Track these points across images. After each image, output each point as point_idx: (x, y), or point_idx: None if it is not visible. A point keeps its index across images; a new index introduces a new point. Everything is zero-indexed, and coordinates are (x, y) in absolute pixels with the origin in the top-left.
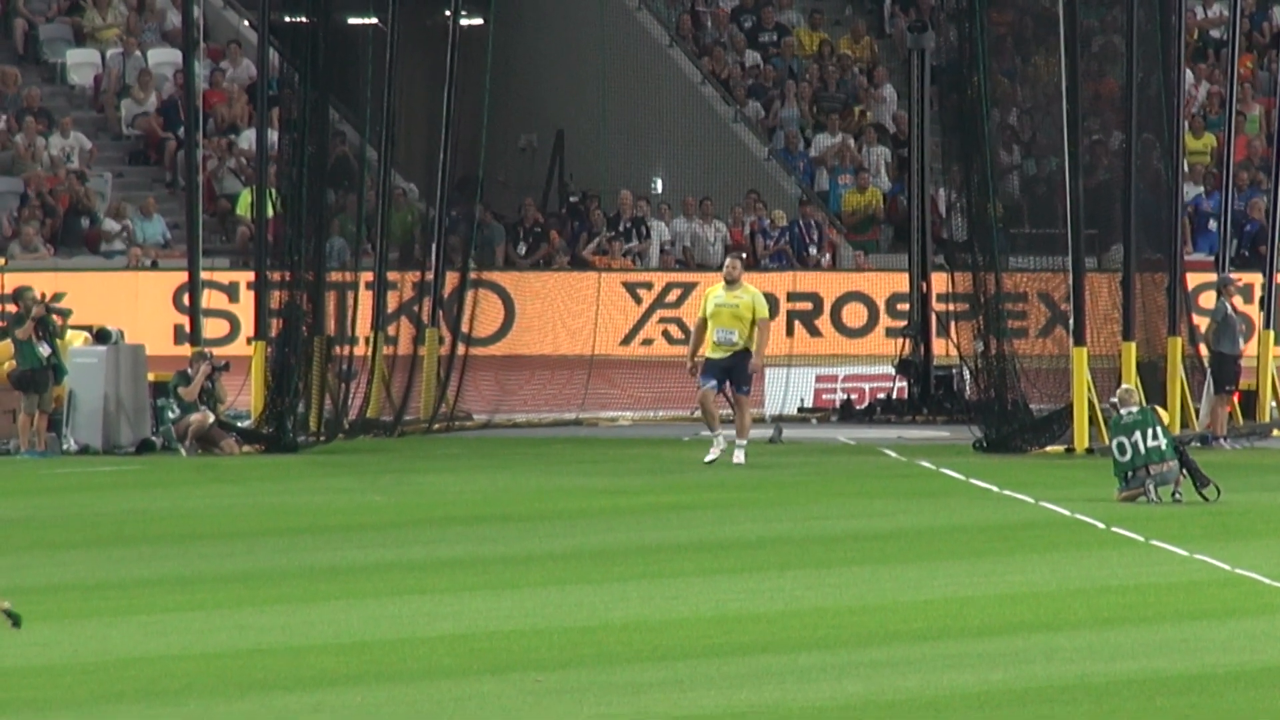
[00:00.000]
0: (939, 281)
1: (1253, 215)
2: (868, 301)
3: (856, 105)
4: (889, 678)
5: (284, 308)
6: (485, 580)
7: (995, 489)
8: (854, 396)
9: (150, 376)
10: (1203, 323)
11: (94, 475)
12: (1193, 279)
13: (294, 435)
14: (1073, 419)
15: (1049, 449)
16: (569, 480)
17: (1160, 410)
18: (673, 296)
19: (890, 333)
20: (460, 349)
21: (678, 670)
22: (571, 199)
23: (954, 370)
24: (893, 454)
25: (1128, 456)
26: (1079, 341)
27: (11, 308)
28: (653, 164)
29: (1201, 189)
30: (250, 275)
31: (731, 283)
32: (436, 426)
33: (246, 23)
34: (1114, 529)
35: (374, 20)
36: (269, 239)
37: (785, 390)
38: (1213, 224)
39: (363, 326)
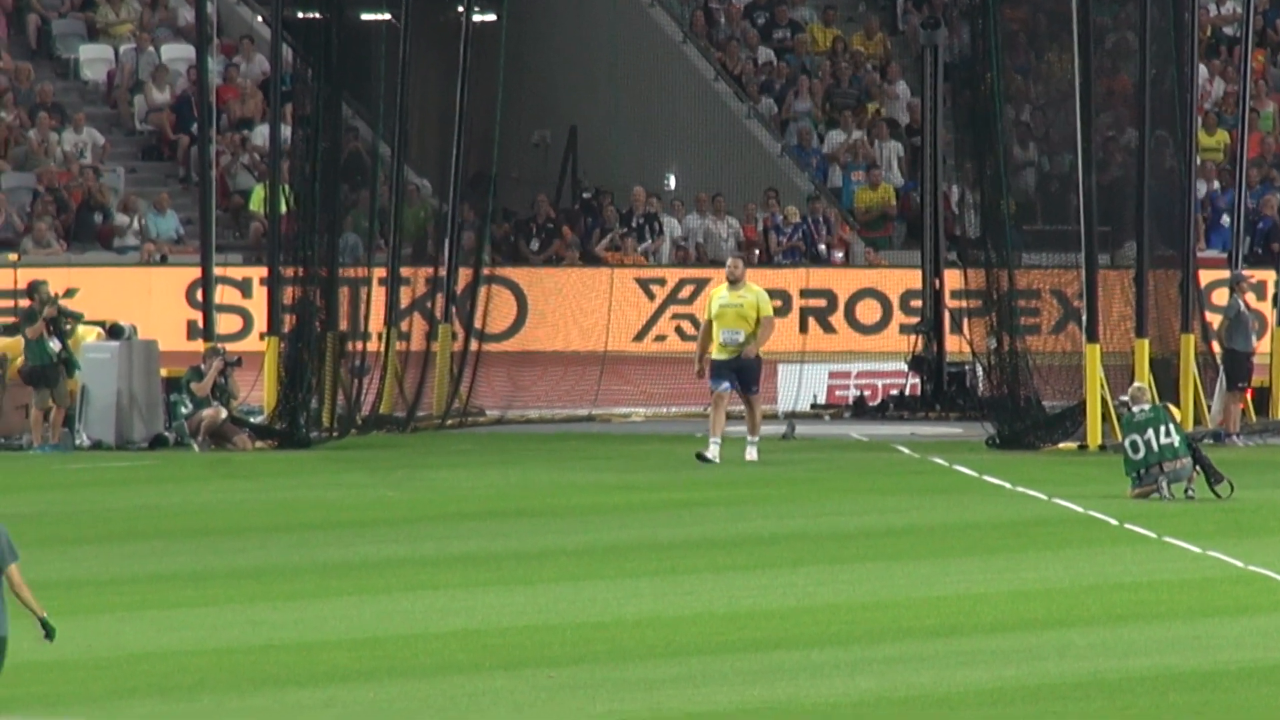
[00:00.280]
0: (952, 278)
1: (1265, 212)
2: (881, 298)
3: (870, 102)
4: (902, 674)
5: (297, 303)
6: (498, 576)
7: (1008, 485)
8: (867, 393)
9: (163, 372)
10: (1215, 319)
11: (107, 471)
12: (1205, 276)
13: (307, 431)
14: (1085, 416)
15: (1062, 446)
16: (581, 476)
17: (1172, 408)
18: (685, 293)
19: (904, 329)
20: (473, 345)
21: (691, 666)
22: (585, 195)
23: (967, 367)
24: (905, 450)
25: (1141, 454)
26: (1092, 338)
27: (25, 302)
28: (666, 160)
29: (1215, 185)
30: (263, 271)
31: (734, 282)
32: (449, 422)
33: (260, 18)
34: (1127, 526)
35: (387, 16)
36: (282, 234)
37: (798, 387)
38: (1226, 220)
39: (376, 322)
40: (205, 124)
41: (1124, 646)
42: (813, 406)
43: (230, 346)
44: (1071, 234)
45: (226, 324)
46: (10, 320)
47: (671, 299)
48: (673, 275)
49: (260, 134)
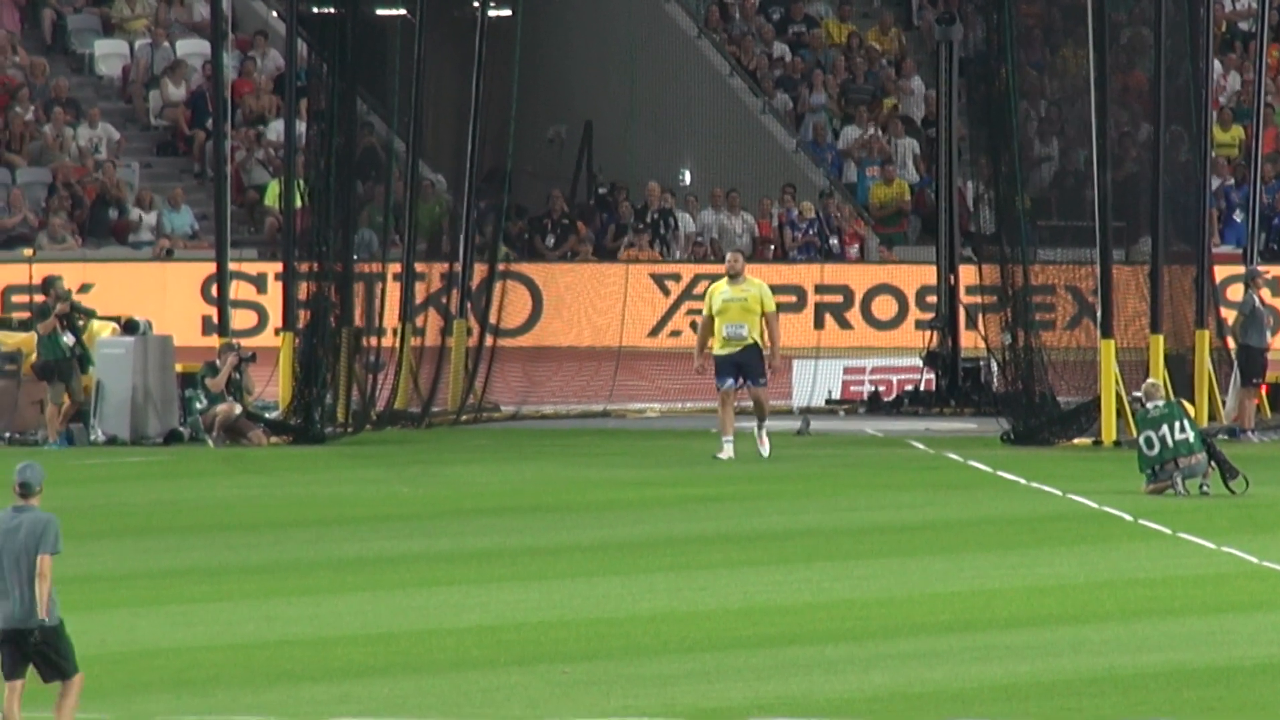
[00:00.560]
0: (967, 274)
1: None
2: (897, 294)
3: (885, 98)
4: (916, 670)
5: (312, 299)
6: (513, 572)
7: (1023, 481)
8: (882, 389)
9: (178, 367)
10: (1230, 315)
11: (121, 466)
12: (1220, 271)
13: (321, 426)
14: (1100, 411)
15: (1076, 441)
16: (596, 472)
17: (1186, 404)
18: (701, 288)
19: (919, 325)
20: (488, 340)
21: (705, 662)
22: (600, 190)
23: (982, 362)
24: (920, 446)
25: (1155, 450)
26: (1107, 334)
27: (39, 298)
28: (681, 155)
29: (1230, 181)
30: (278, 266)
31: (735, 277)
32: (464, 418)
33: (275, 14)
34: (1141, 521)
35: (402, 11)
36: (297, 230)
37: (813, 382)
38: (1240, 216)
39: (390, 318)
40: (220, 119)
41: (1138, 642)
42: (827, 402)
43: (245, 342)
44: (1086, 229)
45: (241, 319)
46: (25, 315)
47: (686, 294)
48: (687, 271)
49: (275, 129)
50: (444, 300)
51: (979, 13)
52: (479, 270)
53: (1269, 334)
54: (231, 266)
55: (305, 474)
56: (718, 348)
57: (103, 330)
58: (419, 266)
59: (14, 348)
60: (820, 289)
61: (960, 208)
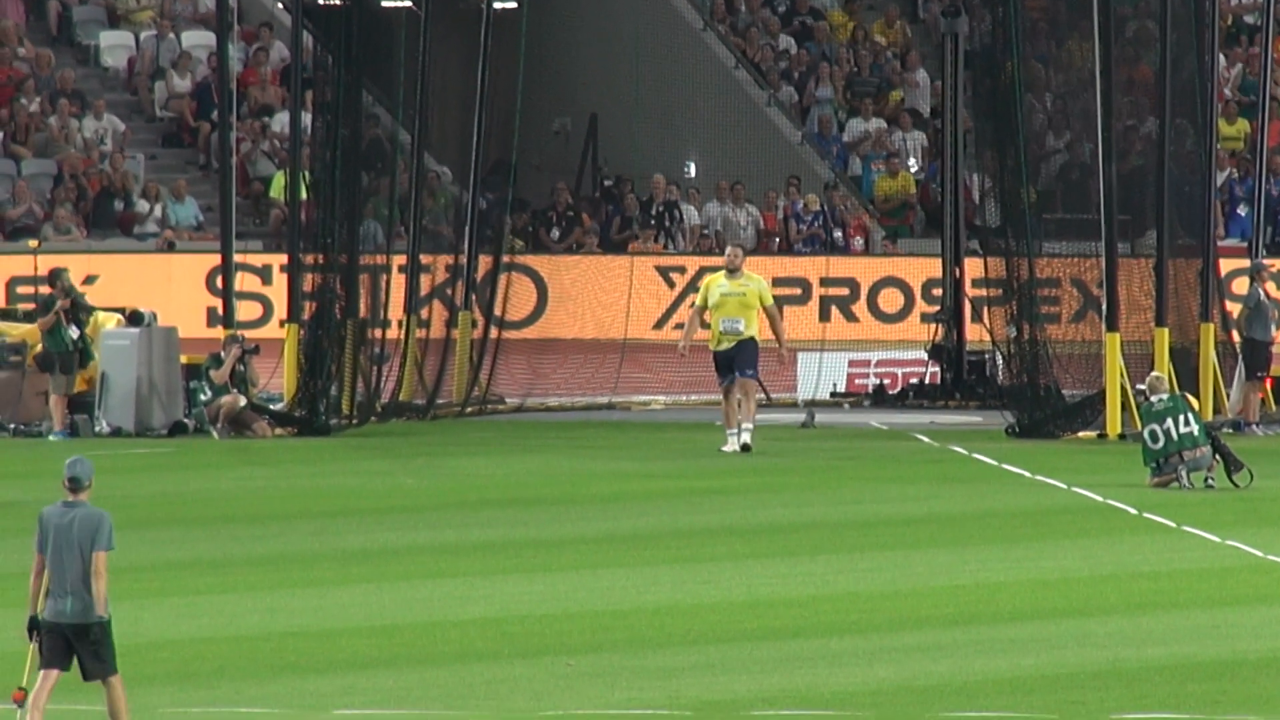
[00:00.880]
0: (972, 267)
1: None
2: (903, 287)
3: (891, 90)
4: (921, 663)
5: (317, 291)
6: (517, 564)
7: (1027, 474)
8: (887, 381)
9: (183, 359)
10: (1235, 308)
11: (126, 457)
12: (1225, 265)
13: (326, 418)
14: (1105, 404)
15: (1081, 434)
16: (601, 464)
17: (1190, 397)
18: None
19: (925, 318)
20: (493, 332)
21: (709, 655)
22: (605, 183)
23: (987, 355)
24: (925, 439)
25: (1160, 444)
26: (1112, 327)
27: (45, 289)
28: (686, 148)
29: (1235, 174)
30: (283, 258)
31: (734, 271)
32: (469, 410)
33: (280, 5)
34: (1146, 515)
35: (408, 3)
36: (302, 222)
37: (818, 375)
38: (1245, 209)
39: (395, 310)
40: (225, 111)
41: (1142, 635)
42: (832, 395)
43: (250, 334)
44: (1092, 222)
45: (246, 311)
46: (30, 307)
47: (691, 287)
48: (692, 263)
49: (280, 121)
50: (449, 292)
51: (984, 5)
52: (484, 262)
53: (1274, 327)
54: (236, 258)
55: (310, 466)
56: (714, 343)
57: (107, 322)
58: (424, 258)
59: (19, 339)
60: (825, 281)
61: (965, 201)
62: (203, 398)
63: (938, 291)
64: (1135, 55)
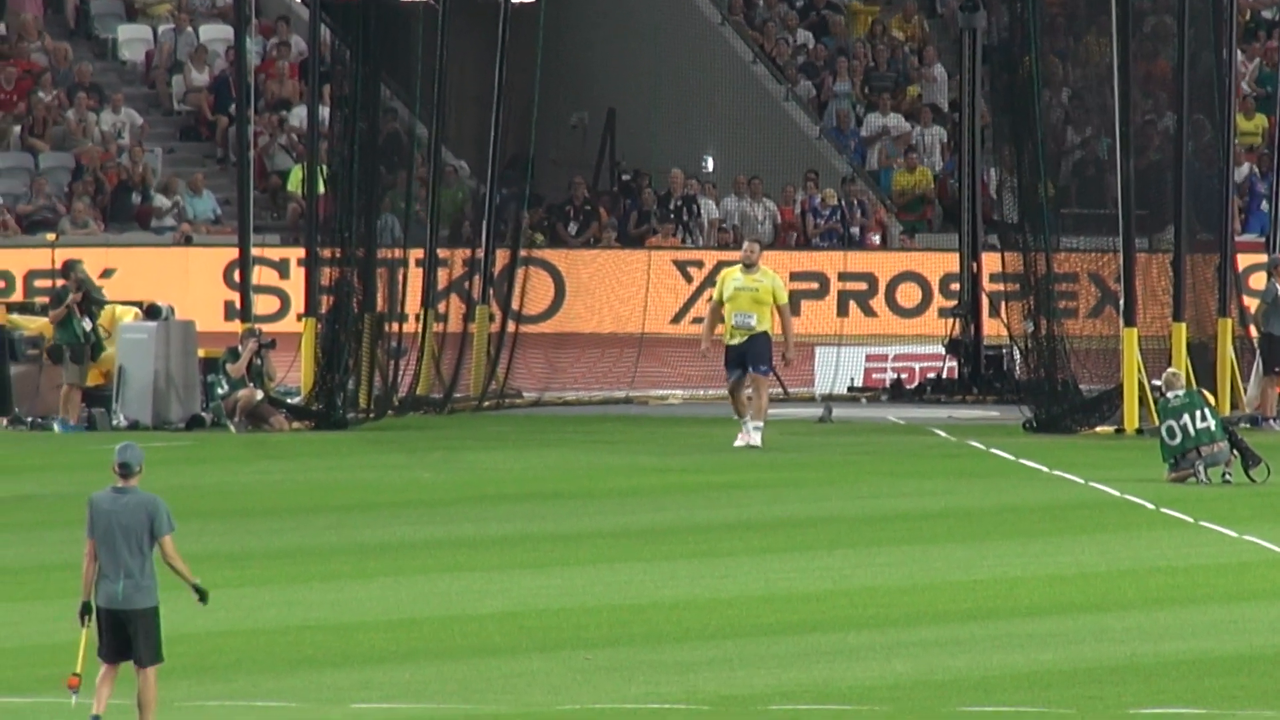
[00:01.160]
0: (990, 261)
1: None
2: (921, 281)
3: (909, 85)
4: (938, 657)
5: (334, 284)
6: (535, 558)
7: (1045, 469)
8: (904, 376)
9: (200, 353)
10: (1253, 304)
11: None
12: (1243, 260)
13: (344, 412)
14: (1123, 399)
15: (1099, 429)
16: (618, 458)
17: (1206, 393)
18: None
19: (943, 313)
20: (510, 326)
21: (727, 649)
22: (623, 177)
23: (1004, 350)
24: (942, 434)
25: (1177, 440)
26: (1129, 322)
27: (61, 282)
28: (703, 142)
29: (1257, 170)
30: (301, 252)
31: (749, 266)
32: (486, 404)
33: None
34: (1163, 510)
35: None
36: (320, 216)
37: (835, 370)
38: (1264, 205)
39: (413, 303)
40: (243, 105)
41: (1160, 630)
42: (850, 389)
43: (267, 327)
44: (1109, 217)
45: (264, 305)
46: (48, 300)
47: (709, 281)
48: (710, 257)
49: (298, 115)
50: (467, 286)
51: (1002, 0)
52: (501, 256)
53: None
54: (254, 252)
55: (327, 460)
56: (726, 337)
57: (125, 315)
58: (441, 252)
59: (36, 332)
60: (843, 276)
61: (983, 195)
62: (220, 391)
63: (955, 286)
64: (1153, 50)
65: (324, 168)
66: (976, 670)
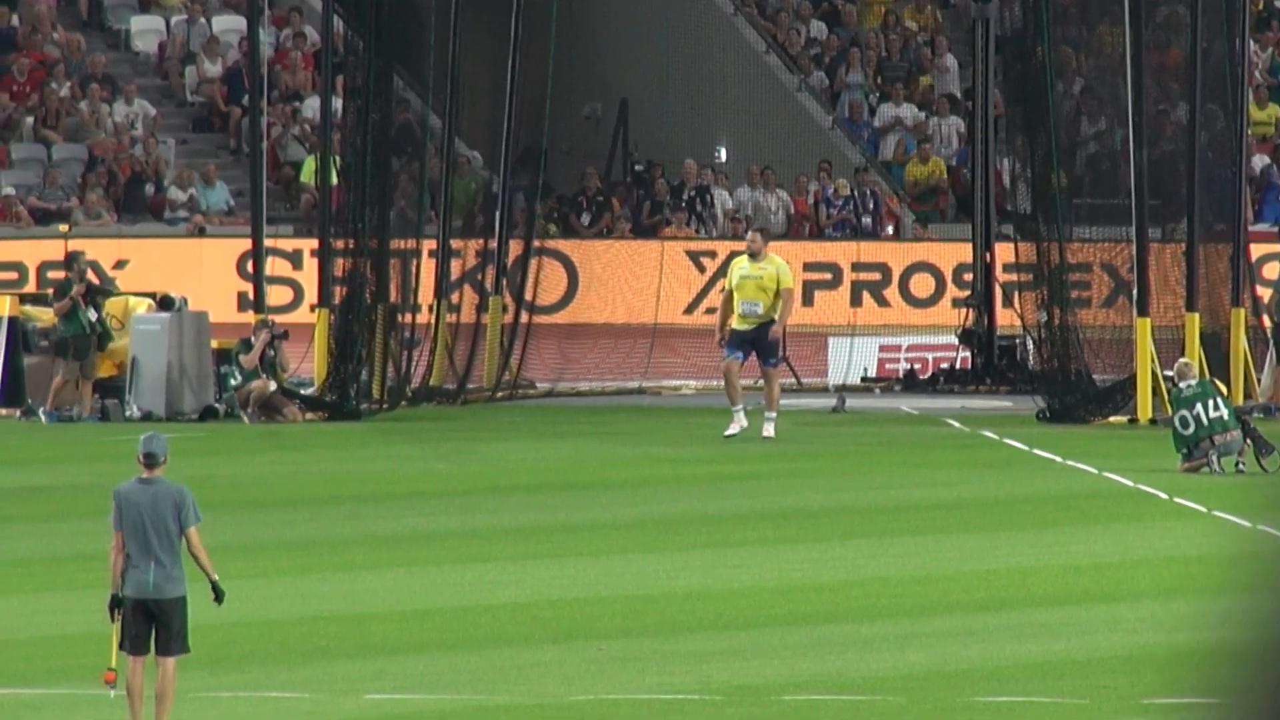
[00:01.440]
0: (1003, 252)
1: None
2: (934, 272)
3: (922, 75)
4: (952, 647)
5: (347, 275)
6: (548, 548)
7: (1058, 459)
8: (917, 366)
9: (214, 343)
10: (1266, 293)
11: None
12: (1256, 250)
13: (357, 403)
14: (1136, 389)
15: (1112, 419)
16: (631, 449)
17: (1219, 382)
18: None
19: (956, 303)
20: (523, 317)
21: (740, 640)
22: (636, 168)
23: (1017, 340)
24: (956, 424)
25: (1190, 429)
26: (1143, 312)
27: (64, 274)
28: (716, 133)
29: (1268, 160)
30: (314, 242)
31: (754, 255)
32: (499, 395)
33: None
34: (1177, 499)
35: None
36: (333, 206)
37: (849, 360)
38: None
39: (426, 294)
40: (256, 95)
41: (1173, 620)
42: (863, 380)
43: (281, 318)
44: (1122, 207)
45: (277, 296)
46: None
47: (722, 271)
48: (723, 247)
49: (311, 106)
50: (479, 277)
51: None
52: (514, 247)
53: None
54: (267, 243)
55: (340, 450)
56: (735, 323)
57: (138, 307)
58: (454, 243)
59: (49, 324)
60: (857, 266)
61: (996, 186)
62: (233, 382)
63: (968, 276)
64: (1166, 40)
65: (337, 159)
66: (990, 660)
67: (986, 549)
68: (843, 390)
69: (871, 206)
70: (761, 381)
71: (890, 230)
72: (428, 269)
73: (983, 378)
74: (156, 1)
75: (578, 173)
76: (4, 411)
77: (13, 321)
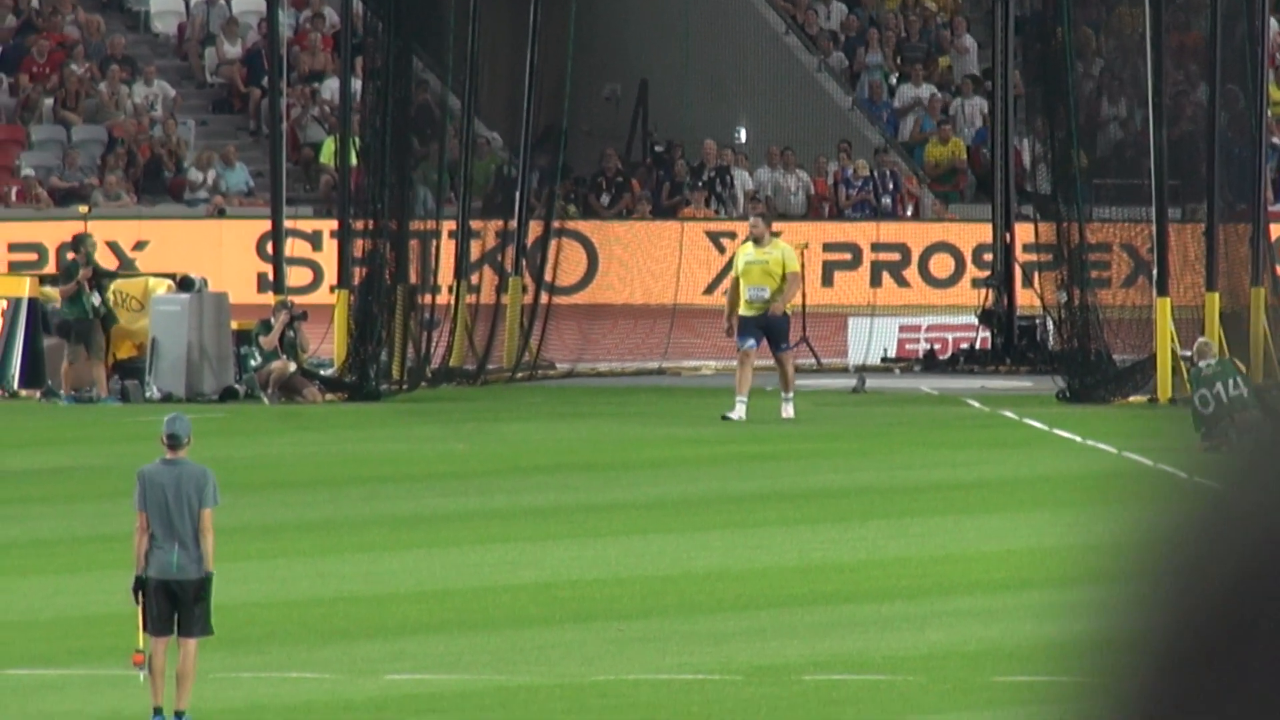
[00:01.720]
0: (1023, 232)
1: None
2: (954, 252)
3: (941, 56)
4: (972, 627)
5: (367, 256)
6: (568, 529)
7: (1078, 439)
8: (937, 346)
9: (233, 325)
10: None
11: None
12: (1276, 230)
13: (377, 383)
14: (1156, 369)
15: (1132, 399)
16: (651, 429)
17: (1238, 361)
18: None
19: (976, 283)
20: (543, 298)
21: (761, 620)
22: (656, 149)
23: (1037, 320)
24: (976, 404)
25: (1210, 408)
26: (1162, 292)
27: (70, 255)
28: (736, 113)
29: None
30: (334, 223)
31: (758, 240)
32: (519, 375)
33: None
34: (1197, 479)
35: None
36: (352, 187)
37: (869, 340)
38: None
39: (445, 275)
40: (276, 77)
41: None
42: (883, 360)
43: (300, 299)
44: (1142, 188)
45: (297, 277)
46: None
47: None
48: (743, 228)
49: (331, 87)
50: (499, 258)
51: None
52: (534, 228)
53: None
54: (287, 224)
55: (360, 431)
56: (742, 309)
57: (158, 287)
58: (474, 224)
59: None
60: (876, 247)
61: (1016, 166)
62: (253, 363)
63: (988, 257)
64: (1186, 21)
65: (356, 140)
66: (1011, 640)
67: (1007, 529)
68: (863, 371)
69: (891, 187)
70: (775, 365)
71: (910, 211)
72: (447, 250)
73: (1003, 358)
74: None
75: (597, 154)
76: (25, 393)
77: (33, 303)
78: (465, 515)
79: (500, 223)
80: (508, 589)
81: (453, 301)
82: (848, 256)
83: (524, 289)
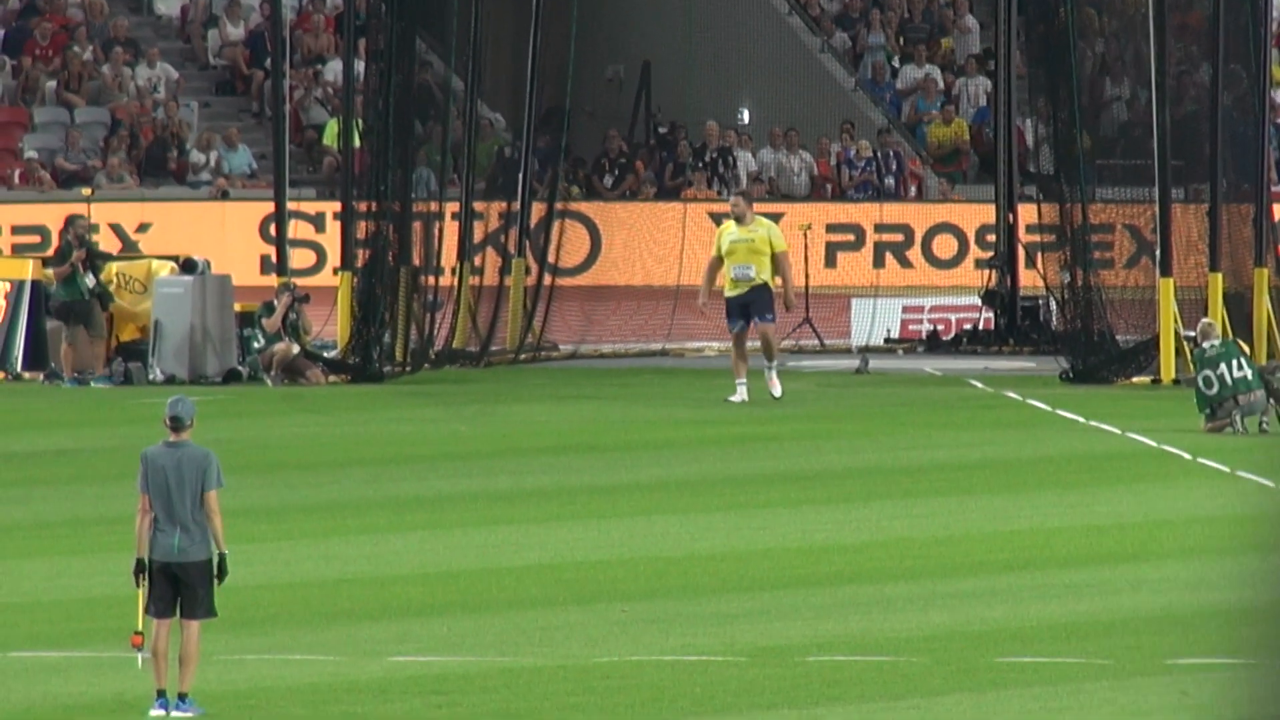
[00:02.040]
0: (1026, 212)
1: None
2: (957, 233)
3: (943, 36)
4: (975, 608)
5: (370, 238)
6: (571, 510)
7: (1081, 420)
8: (940, 327)
9: (237, 307)
10: None
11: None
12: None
13: (380, 365)
14: (1159, 350)
15: (1135, 380)
16: (655, 411)
17: (1241, 342)
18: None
19: (979, 264)
20: (546, 279)
21: (764, 601)
22: (659, 130)
23: (1040, 301)
24: (979, 385)
25: (1214, 389)
26: (1165, 272)
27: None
28: (739, 94)
29: None
30: (337, 205)
31: (740, 219)
32: (522, 357)
33: None
34: (1200, 460)
35: None
36: (355, 169)
37: (872, 321)
38: None
39: (449, 257)
40: (279, 59)
41: (1197, 580)
42: (886, 341)
43: (303, 281)
44: (1145, 168)
45: (300, 259)
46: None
47: None
48: None
49: (334, 69)
50: (502, 239)
51: None
52: (537, 209)
53: None
54: (290, 206)
55: (363, 413)
56: (727, 290)
57: (161, 269)
58: (478, 206)
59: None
60: (880, 228)
61: (1019, 146)
62: (256, 345)
63: (991, 237)
64: (1188, 0)
65: (359, 121)
66: (1014, 621)
67: (1010, 510)
68: (866, 351)
69: (894, 168)
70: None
71: (913, 191)
72: (450, 231)
73: (1006, 339)
74: None
75: (600, 135)
76: (28, 375)
77: (35, 286)
78: (469, 497)
79: (503, 204)
80: (511, 571)
81: (456, 283)
82: (851, 237)
83: (527, 270)
